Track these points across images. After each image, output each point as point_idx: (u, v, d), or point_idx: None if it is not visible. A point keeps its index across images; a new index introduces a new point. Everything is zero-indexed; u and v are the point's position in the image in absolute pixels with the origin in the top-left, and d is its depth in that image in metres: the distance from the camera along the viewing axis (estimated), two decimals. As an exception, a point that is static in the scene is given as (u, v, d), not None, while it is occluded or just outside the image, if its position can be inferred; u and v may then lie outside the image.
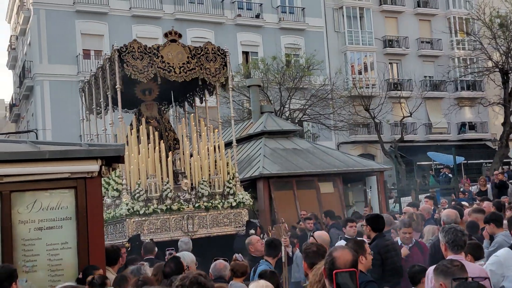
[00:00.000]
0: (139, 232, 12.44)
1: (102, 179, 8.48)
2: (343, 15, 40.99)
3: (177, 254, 7.63)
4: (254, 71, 33.93)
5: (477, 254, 6.79)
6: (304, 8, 40.03)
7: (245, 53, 38.33)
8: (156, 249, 9.70)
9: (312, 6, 40.23)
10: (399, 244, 8.33)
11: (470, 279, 3.66)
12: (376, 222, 7.76)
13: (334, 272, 3.51)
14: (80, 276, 6.16)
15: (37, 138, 26.48)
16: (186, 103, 16.97)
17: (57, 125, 30.52)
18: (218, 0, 37.75)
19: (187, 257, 7.30)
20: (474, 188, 21.63)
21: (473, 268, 5.23)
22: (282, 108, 31.53)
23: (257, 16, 38.94)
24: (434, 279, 4.62)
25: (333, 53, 40.30)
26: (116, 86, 13.38)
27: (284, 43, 39.15)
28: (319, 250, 5.37)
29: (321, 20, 40.63)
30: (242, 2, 38.91)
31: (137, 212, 12.76)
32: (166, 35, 14.46)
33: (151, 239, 11.19)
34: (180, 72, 13.78)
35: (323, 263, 4.62)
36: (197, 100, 16.46)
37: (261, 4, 39.02)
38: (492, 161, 33.26)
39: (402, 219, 9.48)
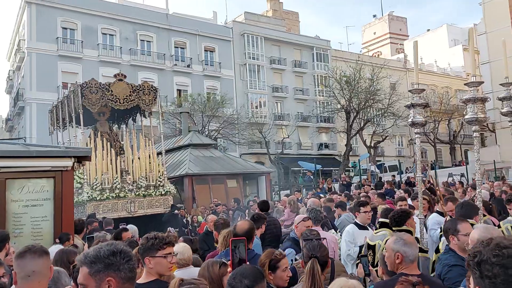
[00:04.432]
0: (94, 212, 12.10)
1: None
2: (246, 69, 41.27)
3: (127, 227, 7.43)
4: (184, 103, 33.61)
5: (328, 226, 6.99)
6: (220, 63, 40.13)
7: (179, 90, 37.86)
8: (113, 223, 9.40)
9: (225, 61, 40.37)
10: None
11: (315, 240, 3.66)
12: (263, 205, 7.80)
13: (230, 239, 3.34)
14: (57, 240, 5.85)
15: (26, 143, 24.90)
16: (129, 122, 16.76)
17: (40, 135, 28.82)
18: (161, 53, 37.21)
19: (132, 228, 7.13)
20: (325, 185, 22.32)
21: (326, 234, 5.39)
22: (203, 128, 31.43)
23: (188, 66, 38.64)
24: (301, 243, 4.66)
25: (239, 93, 40.50)
26: (79, 111, 13.29)
27: (206, 85, 39.02)
28: (225, 221, 5.39)
29: (231, 71, 40.81)
30: (178, 55, 38.46)
31: (95, 198, 12.66)
32: (115, 76, 14.38)
33: (105, 217, 10.86)
34: (124, 102, 13.79)
35: (229, 229, 4.66)
36: (144, 120, 16.21)
37: (191, 58, 38.75)
38: (338, 169, 34.61)
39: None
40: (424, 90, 4.42)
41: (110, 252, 1.94)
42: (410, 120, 4.26)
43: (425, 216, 8.18)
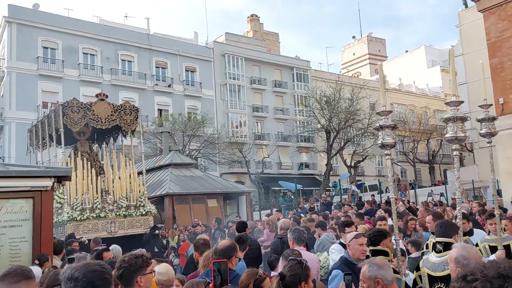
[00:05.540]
0: (73, 232, 11.89)
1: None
2: (227, 89, 41.48)
3: (110, 248, 7.31)
4: (165, 123, 33.52)
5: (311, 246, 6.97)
6: (201, 82, 40.27)
7: (160, 110, 37.80)
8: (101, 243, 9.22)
9: (206, 81, 40.53)
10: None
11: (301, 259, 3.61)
12: (240, 226, 7.55)
13: (212, 261, 3.25)
14: (37, 262, 5.73)
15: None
16: (110, 141, 16.52)
17: (20, 155, 28.30)
18: (142, 72, 37.18)
19: (116, 248, 7.04)
20: (307, 205, 22.29)
21: (308, 255, 5.40)
22: (184, 148, 31.31)
23: (169, 86, 38.67)
24: (281, 263, 4.55)
25: (219, 113, 40.60)
26: (60, 130, 13.12)
27: (187, 105, 39.05)
28: (206, 242, 5.34)
29: (212, 91, 40.96)
30: (159, 75, 38.49)
31: (75, 219, 12.46)
32: (97, 95, 14.29)
33: (86, 238, 10.66)
34: (105, 122, 13.72)
35: (210, 251, 4.61)
36: (124, 139, 16.08)
37: (172, 78, 38.83)
38: (319, 188, 34.72)
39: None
40: (391, 112, 4.54)
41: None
42: (380, 142, 4.36)
43: (409, 235, 8.30)
